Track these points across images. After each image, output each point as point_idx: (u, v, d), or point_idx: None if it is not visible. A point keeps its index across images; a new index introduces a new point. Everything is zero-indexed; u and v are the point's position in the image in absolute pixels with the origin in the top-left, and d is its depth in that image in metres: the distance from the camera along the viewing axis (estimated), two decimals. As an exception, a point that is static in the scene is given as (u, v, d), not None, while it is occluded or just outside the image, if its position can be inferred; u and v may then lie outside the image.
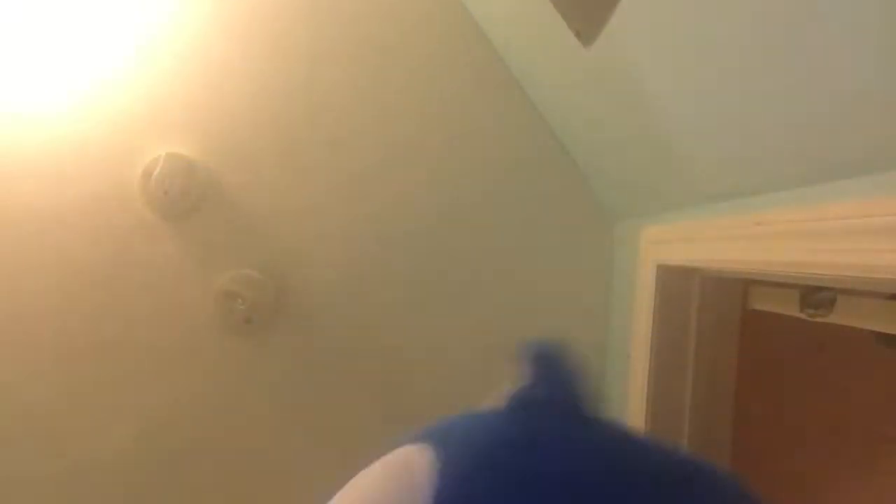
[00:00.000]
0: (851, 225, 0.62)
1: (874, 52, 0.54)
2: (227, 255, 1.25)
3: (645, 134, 1.00)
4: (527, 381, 0.42)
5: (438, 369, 1.31)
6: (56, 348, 1.21)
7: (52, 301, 1.21)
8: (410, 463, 0.39)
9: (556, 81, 1.22)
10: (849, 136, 0.63)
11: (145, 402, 1.24)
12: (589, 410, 0.42)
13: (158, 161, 1.19)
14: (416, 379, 1.31)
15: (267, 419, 1.28)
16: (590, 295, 1.34)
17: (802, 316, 0.93)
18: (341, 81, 1.26)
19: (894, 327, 0.79)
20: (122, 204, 1.21)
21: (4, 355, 1.20)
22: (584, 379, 0.43)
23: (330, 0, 1.25)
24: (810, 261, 0.68)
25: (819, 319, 0.91)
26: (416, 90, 1.29)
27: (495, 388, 0.44)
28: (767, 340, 1.25)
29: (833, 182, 0.68)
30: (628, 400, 1.14)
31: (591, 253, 1.34)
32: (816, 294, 0.90)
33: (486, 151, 1.31)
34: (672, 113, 0.89)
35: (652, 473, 0.38)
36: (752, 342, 1.13)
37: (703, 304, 1.08)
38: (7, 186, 1.19)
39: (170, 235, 1.23)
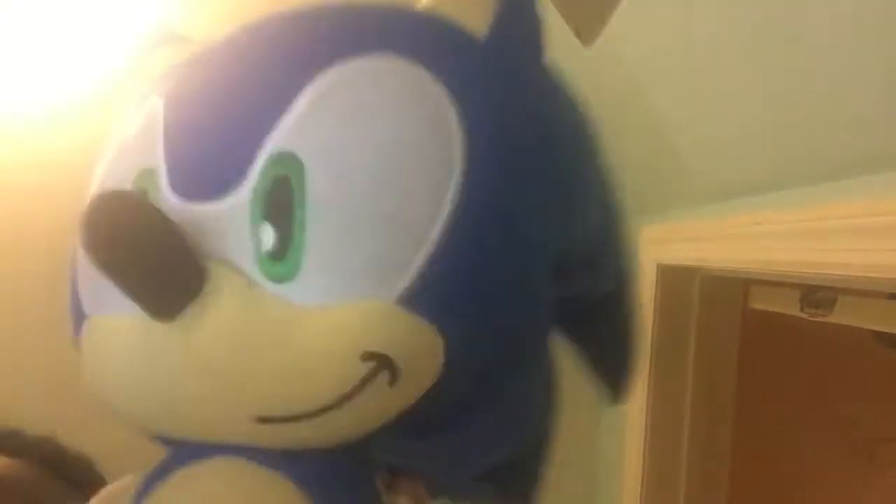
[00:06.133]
0: (851, 225, 0.62)
1: (875, 51, 0.54)
2: (226, 254, 1.24)
3: (645, 134, 1.00)
4: (497, 20, 0.38)
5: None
6: (55, 349, 1.21)
7: (50, 302, 1.21)
8: (437, 105, 0.32)
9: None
10: (849, 136, 0.63)
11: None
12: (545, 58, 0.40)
13: (158, 161, 1.19)
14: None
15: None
16: (590, 295, 1.33)
17: (802, 316, 0.94)
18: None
19: (894, 327, 0.79)
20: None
21: (3, 357, 1.20)
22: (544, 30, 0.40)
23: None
24: (810, 261, 0.68)
25: (819, 319, 0.91)
26: (415, 90, 1.28)
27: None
28: (767, 340, 1.25)
29: (833, 182, 0.68)
30: (627, 399, 1.14)
31: (591, 253, 1.33)
32: (816, 294, 0.90)
33: (485, 151, 1.31)
34: (672, 112, 0.89)
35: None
36: (752, 342, 1.13)
37: (703, 304, 1.07)
38: (3, 188, 1.19)
39: (170, 235, 1.23)
